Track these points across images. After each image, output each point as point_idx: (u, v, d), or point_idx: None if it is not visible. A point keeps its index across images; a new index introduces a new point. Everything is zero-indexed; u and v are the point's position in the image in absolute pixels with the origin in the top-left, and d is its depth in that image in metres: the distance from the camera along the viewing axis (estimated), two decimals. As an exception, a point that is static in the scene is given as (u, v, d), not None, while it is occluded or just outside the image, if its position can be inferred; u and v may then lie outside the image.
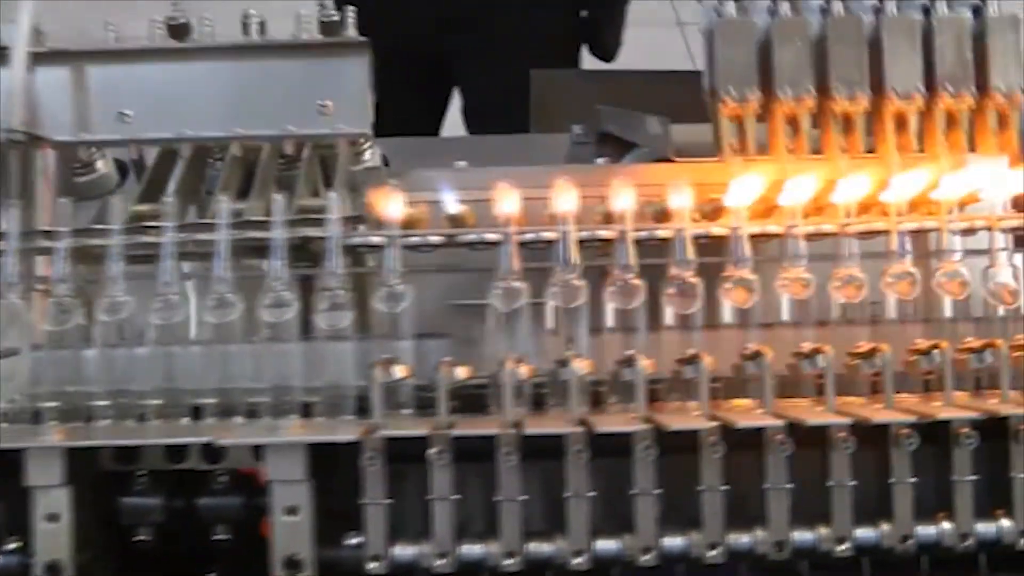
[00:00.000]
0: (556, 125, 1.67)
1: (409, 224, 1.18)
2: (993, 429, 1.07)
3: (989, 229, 1.19)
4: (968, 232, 1.19)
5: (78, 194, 1.59)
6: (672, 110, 1.46)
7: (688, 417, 1.08)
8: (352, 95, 1.31)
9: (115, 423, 1.14)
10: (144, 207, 1.27)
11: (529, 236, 1.16)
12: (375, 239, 1.17)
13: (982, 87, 1.28)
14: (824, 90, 1.28)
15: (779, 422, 1.04)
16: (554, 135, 1.65)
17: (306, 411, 1.15)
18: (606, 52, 2.31)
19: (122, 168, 1.68)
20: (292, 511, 1.03)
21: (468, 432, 1.03)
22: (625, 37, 2.30)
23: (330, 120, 1.31)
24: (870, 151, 1.30)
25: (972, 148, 1.29)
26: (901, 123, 1.29)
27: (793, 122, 1.29)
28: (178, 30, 1.38)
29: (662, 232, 1.16)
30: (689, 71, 1.56)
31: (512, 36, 2.18)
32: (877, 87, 1.28)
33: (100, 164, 1.65)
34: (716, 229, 1.17)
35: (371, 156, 1.63)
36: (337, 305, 1.15)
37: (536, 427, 1.04)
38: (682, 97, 1.38)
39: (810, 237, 1.18)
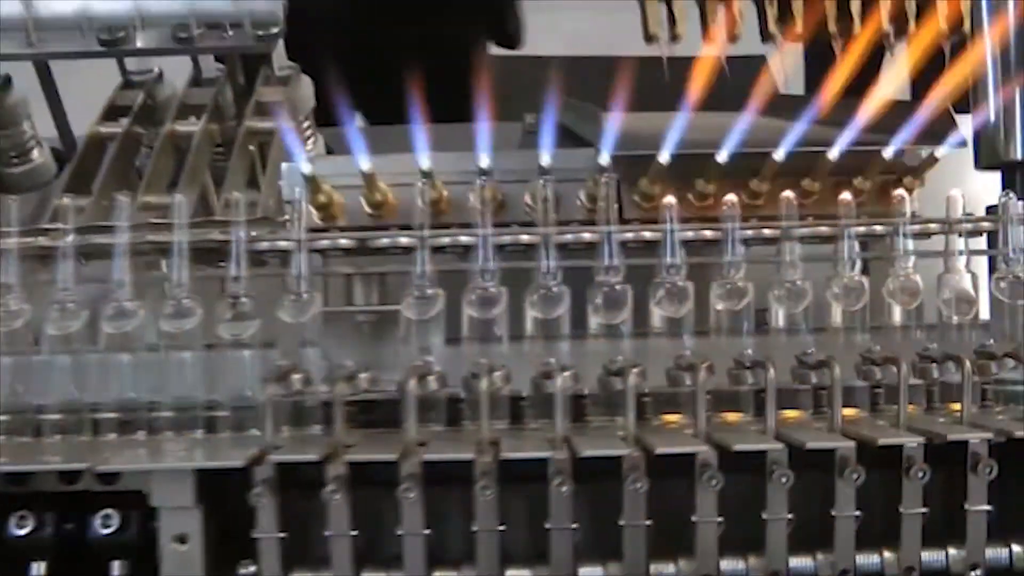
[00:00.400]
0: (511, 113, 1.59)
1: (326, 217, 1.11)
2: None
3: (946, 233, 1.10)
4: (922, 235, 1.10)
5: (13, 186, 1.53)
6: (635, 97, 1.37)
7: (608, 442, 0.99)
8: None
9: (8, 439, 1.06)
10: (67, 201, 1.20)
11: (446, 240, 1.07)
12: (282, 244, 1.08)
13: None
14: None
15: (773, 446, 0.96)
16: (508, 123, 1.57)
17: (211, 426, 1.07)
18: (512, 39, 2.22)
19: (60, 158, 1.61)
20: (182, 539, 0.96)
21: (361, 457, 0.95)
22: (589, 22, 2.20)
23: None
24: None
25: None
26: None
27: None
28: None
29: (588, 236, 1.07)
30: (654, 57, 1.47)
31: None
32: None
33: (35, 153, 1.59)
34: (647, 233, 1.08)
35: (313, 145, 1.57)
36: (241, 315, 1.08)
37: (440, 452, 0.96)
38: (646, 84, 1.30)
39: (749, 241, 1.09)
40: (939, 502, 1.00)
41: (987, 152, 1.23)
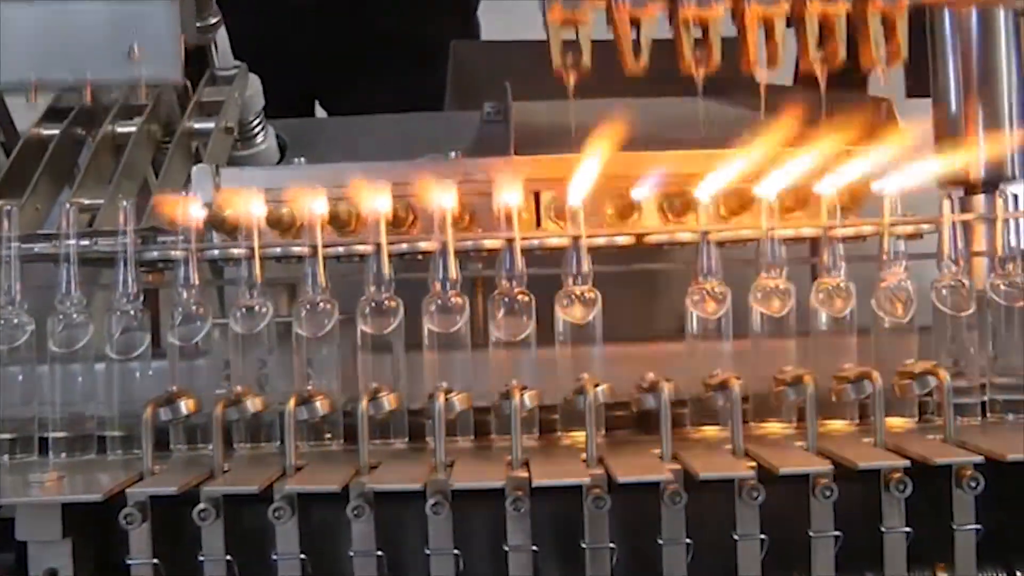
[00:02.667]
0: (474, 101, 1.53)
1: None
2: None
3: (880, 235, 1.02)
4: (856, 238, 1.03)
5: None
6: (604, 83, 1.29)
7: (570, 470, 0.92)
8: (160, 38, 1.18)
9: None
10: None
11: (340, 249, 1.02)
12: (175, 253, 1.03)
13: None
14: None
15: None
16: (468, 112, 1.51)
17: (102, 445, 1.03)
18: (472, 32, 2.14)
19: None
20: (53, 574, 0.92)
21: (231, 489, 0.89)
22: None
23: (137, 65, 1.18)
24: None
25: (853, 60, 1.11)
26: (768, 32, 1.10)
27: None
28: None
29: (489, 243, 1.01)
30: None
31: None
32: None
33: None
34: (554, 240, 1.01)
35: (264, 139, 1.51)
36: (130, 327, 1.03)
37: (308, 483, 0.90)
38: (614, 70, 1.23)
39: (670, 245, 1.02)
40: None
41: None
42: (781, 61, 1.11)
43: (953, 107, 1.19)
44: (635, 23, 1.10)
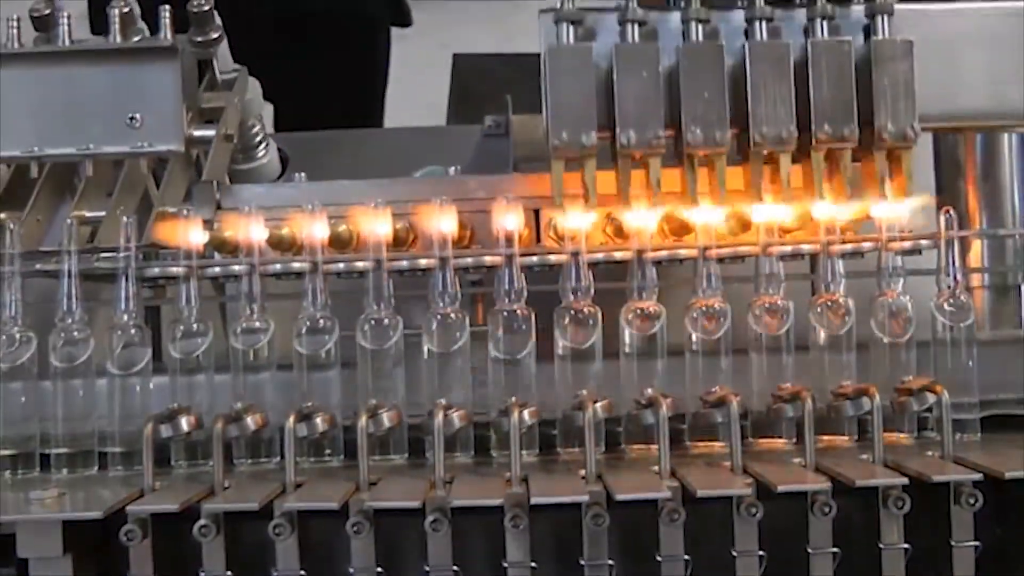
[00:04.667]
0: (475, 114, 1.53)
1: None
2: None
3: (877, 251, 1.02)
4: (855, 255, 1.03)
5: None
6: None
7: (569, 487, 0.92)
8: (162, 107, 1.15)
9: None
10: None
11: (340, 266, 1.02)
12: (175, 270, 1.03)
13: (867, 126, 1.06)
14: (678, 131, 1.06)
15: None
16: (470, 126, 1.51)
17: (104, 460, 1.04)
18: (404, 16, 2.14)
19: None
20: (53, 589, 0.92)
21: (231, 506, 0.90)
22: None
23: (139, 134, 1.16)
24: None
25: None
26: (773, 168, 1.07)
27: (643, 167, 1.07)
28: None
29: (489, 259, 1.01)
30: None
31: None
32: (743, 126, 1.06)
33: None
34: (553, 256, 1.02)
35: (265, 153, 1.51)
36: (131, 343, 1.03)
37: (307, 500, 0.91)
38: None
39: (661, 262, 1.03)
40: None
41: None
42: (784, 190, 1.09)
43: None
44: (641, 162, 1.08)
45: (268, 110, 2.15)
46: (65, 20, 1.18)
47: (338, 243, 1.07)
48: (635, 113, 1.05)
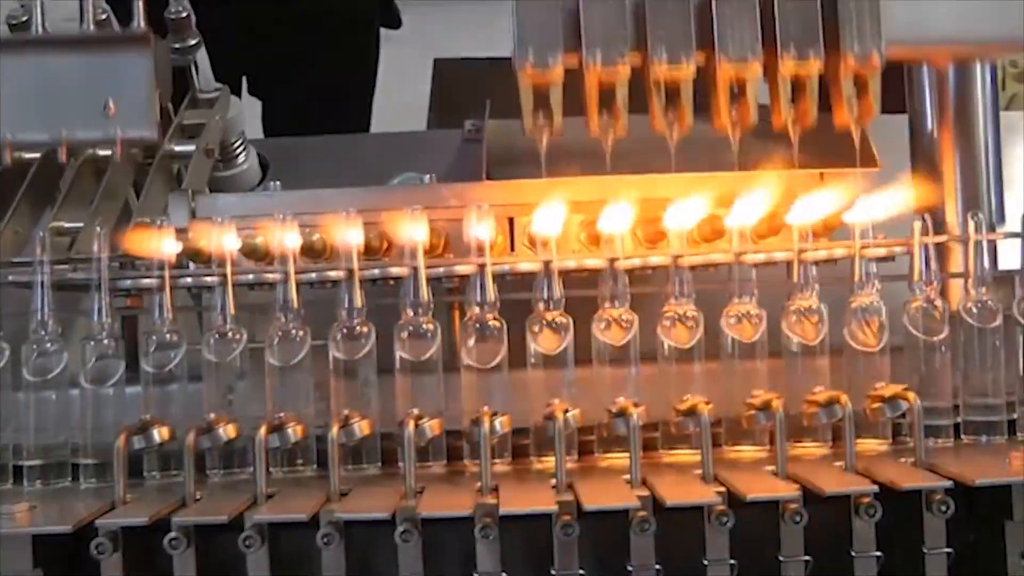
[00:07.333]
0: (456, 119, 1.53)
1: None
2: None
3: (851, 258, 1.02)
4: (828, 261, 1.03)
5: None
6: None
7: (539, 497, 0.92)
8: (135, 95, 1.16)
9: None
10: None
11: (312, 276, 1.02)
12: (148, 281, 1.03)
13: (833, 49, 1.07)
14: (645, 54, 1.07)
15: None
16: (451, 131, 1.51)
17: (76, 472, 1.03)
18: (393, 18, 2.15)
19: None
20: (29, 606, 0.92)
21: (202, 520, 0.90)
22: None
23: (113, 123, 1.17)
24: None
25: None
26: (740, 91, 1.09)
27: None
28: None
29: (461, 268, 1.01)
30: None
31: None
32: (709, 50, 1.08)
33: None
34: (524, 265, 1.02)
35: (245, 159, 1.51)
36: (105, 355, 1.03)
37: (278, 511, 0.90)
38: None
39: (635, 270, 1.02)
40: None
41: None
42: (753, 121, 1.10)
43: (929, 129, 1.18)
44: (608, 87, 1.09)
45: (255, 109, 2.17)
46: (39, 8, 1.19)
47: (311, 252, 1.07)
48: (601, 33, 1.06)
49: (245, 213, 1.10)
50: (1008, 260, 1.06)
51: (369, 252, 1.07)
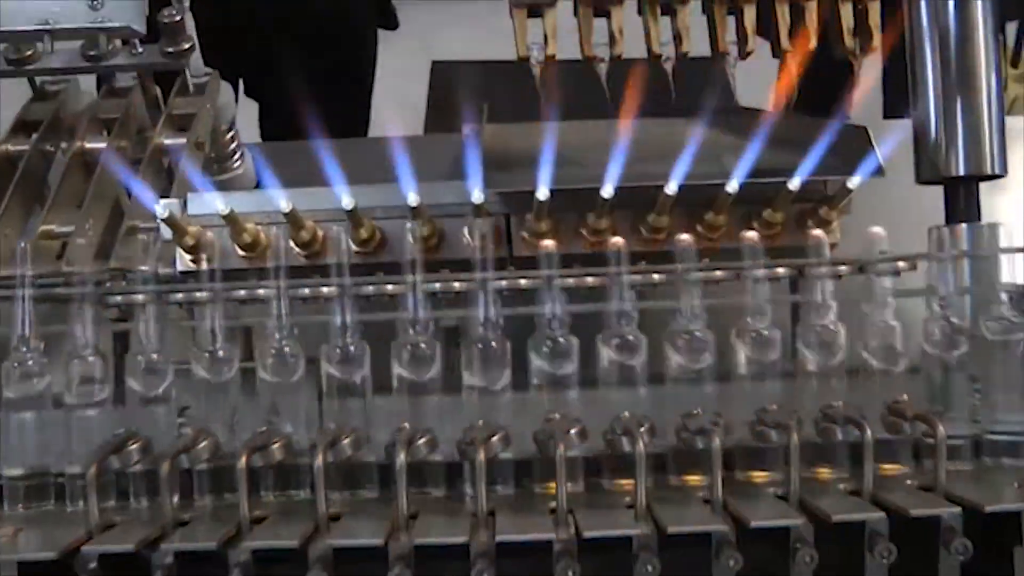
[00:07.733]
0: (455, 123, 1.49)
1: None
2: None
3: (862, 271, 0.98)
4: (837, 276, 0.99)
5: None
6: (582, 103, 1.26)
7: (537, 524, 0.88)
8: None
9: None
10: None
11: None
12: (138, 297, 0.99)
13: None
14: None
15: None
16: (449, 135, 1.48)
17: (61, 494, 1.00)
18: (390, 19, 2.12)
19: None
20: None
21: (188, 546, 0.86)
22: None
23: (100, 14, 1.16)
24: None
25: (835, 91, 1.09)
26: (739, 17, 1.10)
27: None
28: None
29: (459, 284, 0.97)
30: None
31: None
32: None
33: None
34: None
35: (240, 163, 1.48)
36: (88, 375, 0.99)
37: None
38: (594, 89, 1.19)
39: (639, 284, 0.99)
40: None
41: (928, 166, 1.10)
42: (753, 46, 1.10)
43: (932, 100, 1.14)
44: (605, 13, 1.08)
45: (252, 110, 2.13)
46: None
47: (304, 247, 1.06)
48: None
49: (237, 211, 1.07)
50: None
51: (361, 246, 1.04)
